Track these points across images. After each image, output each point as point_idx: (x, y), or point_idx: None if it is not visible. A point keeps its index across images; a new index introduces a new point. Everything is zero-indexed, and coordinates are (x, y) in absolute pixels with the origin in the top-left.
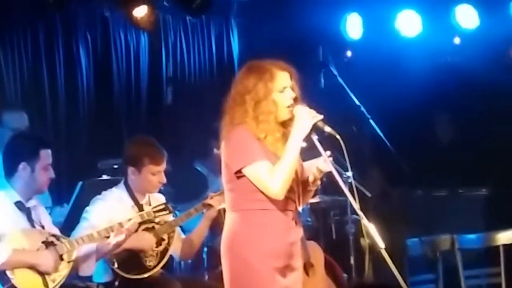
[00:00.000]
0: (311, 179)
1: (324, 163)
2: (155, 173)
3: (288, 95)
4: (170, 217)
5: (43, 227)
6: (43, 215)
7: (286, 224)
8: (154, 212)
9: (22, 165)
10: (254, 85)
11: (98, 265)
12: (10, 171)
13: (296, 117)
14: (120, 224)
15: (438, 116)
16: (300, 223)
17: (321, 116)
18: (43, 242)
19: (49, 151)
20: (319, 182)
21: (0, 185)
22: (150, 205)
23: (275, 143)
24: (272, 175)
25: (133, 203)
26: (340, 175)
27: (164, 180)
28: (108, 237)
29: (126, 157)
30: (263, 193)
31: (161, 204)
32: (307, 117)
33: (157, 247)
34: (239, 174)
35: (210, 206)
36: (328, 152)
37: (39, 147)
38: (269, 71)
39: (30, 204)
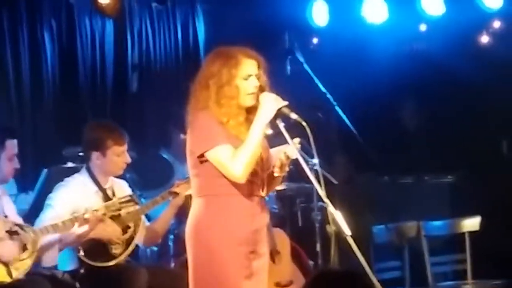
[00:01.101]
0: (277, 164)
1: (291, 149)
2: (120, 154)
3: (252, 83)
4: (136, 208)
5: (6, 216)
6: (7, 205)
7: (251, 210)
8: (120, 203)
9: None
10: (219, 70)
11: (63, 253)
12: None
13: (261, 103)
14: (83, 215)
15: (404, 103)
16: (266, 209)
17: (286, 102)
18: (6, 231)
19: (15, 141)
20: (286, 169)
21: None
22: (113, 190)
23: (238, 127)
24: (234, 158)
25: (96, 188)
26: (306, 162)
27: (129, 159)
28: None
29: (88, 142)
30: (227, 178)
31: (127, 196)
32: (271, 102)
33: (123, 234)
34: (202, 158)
35: (176, 194)
36: (298, 139)
37: (5, 137)
38: (235, 58)
39: None
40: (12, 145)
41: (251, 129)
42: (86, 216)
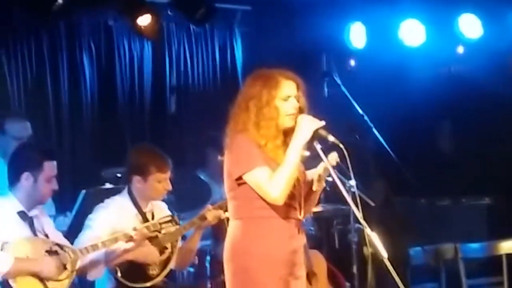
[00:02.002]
0: (315, 178)
1: (330, 158)
2: (161, 181)
3: (292, 104)
4: (175, 229)
5: (46, 235)
6: (46, 224)
7: (289, 232)
8: (160, 224)
9: (25, 175)
10: (259, 91)
11: None
12: (13, 181)
13: (298, 124)
14: (125, 235)
15: (441, 126)
16: (303, 231)
17: (323, 123)
18: (46, 251)
19: (54, 163)
20: (323, 184)
21: (2, 194)
22: (153, 213)
23: (276, 150)
24: (272, 180)
25: (136, 211)
26: (343, 184)
27: (170, 187)
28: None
29: (131, 165)
30: (264, 200)
31: (168, 216)
32: (308, 123)
33: (160, 256)
34: (240, 181)
35: (205, 218)
36: (336, 154)
37: (44, 158)
38: (275, 79)
39: (32, 213)
40: (50, 167)
41: (288, 150)
42: (132, 233)
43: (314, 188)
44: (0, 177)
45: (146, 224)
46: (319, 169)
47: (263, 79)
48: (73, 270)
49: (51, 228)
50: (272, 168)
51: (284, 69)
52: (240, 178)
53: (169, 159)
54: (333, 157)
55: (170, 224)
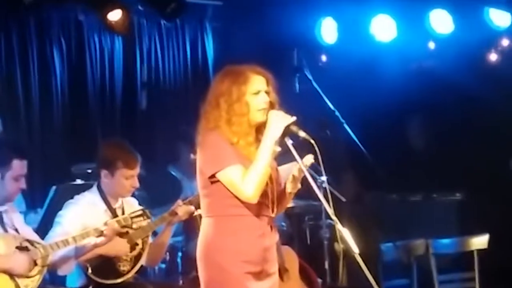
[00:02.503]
0: (290, 179)
1: (305, 160)
2: (128, 177)
3: (262, 99)
4: (146, 223)
5: (16, 230)
6: (16, 219)
7: (261, 230)
8: (132, 218)
9: None
10: (228, 88)
11: None
12: None
13: (268, 120)
14: (96, 230)
15: (412, 121)
16: (275, 228)
17: (293, 118)
18: (17, 247)
19: (24, 162)
20: (299, 185)
21: None
22: (123, 209)
23: (248, 147)
24: (245, 178)
25: (106, 207)
26: (315, 180)
27: (137, 184)
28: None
29: (99, 160)
30: (237, 198)
31: (139, 210)
32: (278, 120)
33: (131, 252)
34: (213, 179)
35: (175, 214)
36: (312, 156)
37: (13, 156)
38: (244, 74)
39: (1, 208)
40: (19, 165)
41: (260, 147)
42: (102, 228)
43: (289, 190)
44: None
45: (117, 218)
46: (294, 170)
47: (232, 75)
48: (43, 265)
49: (21, 223)
50: (245, 166)
51: (254, 65)
52: (213, 176)
53: (138, 155)
54: (308, 159)
55: (141, 218)
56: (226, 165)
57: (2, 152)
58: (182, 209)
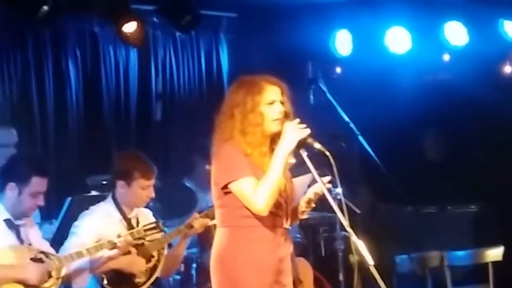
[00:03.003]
0: (305, 199)
1: (319, 186)
2: (145, 188)
3: (277, 109)
4: (160, 236)
5: (30, 245)
6: (32, 233)
7: (275, 240)
8: (145, 230)
9: (9, 186)
10: (243, 98)
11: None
12: (0, 189)
13: (283, 132)
14: (110, 242)
15: (427, 133)
16: (289, 239)
17: (308, 131)
18: (31, 259)
19: (44, 180)
20: (313, 205)
21: None
22: (138, 219)
23: (262, 157)
24: (256, 191)
25: (121, 216)
26: (330, 191)
27: (153, 194)
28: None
29: (116, 170)
30: (250, 209)
31: (152, 223)
32: (293, 132)
33: (146, 263)
34: (226, 190)
35: (191, 227)
36: (328, 178)
37: (33, 173)
38: (258, 85)
39: (19, 222)
40: (38, 182)
41: (273, 159)
42: (116, 240)
43: (302, 209)
44: None
45: (131, 231)
46: (309, 193)
47: (247, 85)
48: (58, 277)
49: (38, 238)
50: (259, 177)
51: (268, 75)
52: (226, 187)
53: (154, 166)
54: (325, 180)
55: (154, 231)
56: (238, 176)
57: (22, 167)
58: (198, 222)
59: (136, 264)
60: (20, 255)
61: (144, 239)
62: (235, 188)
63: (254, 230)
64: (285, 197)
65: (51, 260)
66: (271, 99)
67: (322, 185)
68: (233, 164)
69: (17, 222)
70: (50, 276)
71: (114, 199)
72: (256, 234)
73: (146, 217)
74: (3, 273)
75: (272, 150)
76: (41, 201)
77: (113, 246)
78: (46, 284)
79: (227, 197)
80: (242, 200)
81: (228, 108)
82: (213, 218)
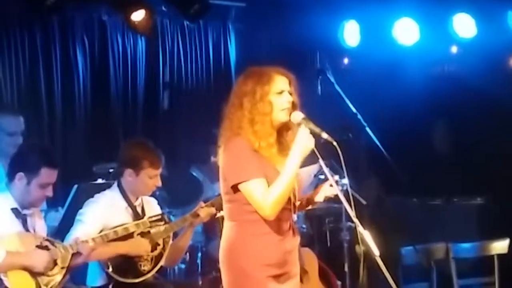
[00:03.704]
0: (321, 196)
1: (330, 189)
2: (152, 177)
3: (285, 98)
4: (165, 227)
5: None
6: (38, 223)
7: (283, 234)
8: (150, 222)
9: (18, 176)
10: (252, 88)
11: (92, 268)
12: (10, 178)
13: (299, 136)
14: (115, 232)
15: (434, 125)
16: (297, 232)
17: (325, 135)
18: (37, 246)
19: (53, 171)
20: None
21: (0, 189)
22: (143, 207)
23: (269, 148)
24: (267, 195)
25: (126, 204)
26: (336, 182)
27: (160, 184)
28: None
29: (124, 158)
30: None
31: (158, 214)
32: (310, 139)
33: (152, 251)
34: (235, 188)
35: (197, 215)
36: (337, 177)
37: (43, 164)
38: (267, 74)
39: (26, 211)
40: (48, 174)
41: (286, 163)
42: (117, 233)
43: (308, 207)
44: None
45: (136, 222)
46: (320, 196)
47: (256, 75)
48: (63, 266)
49: (41, 228)
50: (268, 173)
51: (276, 66)
52: (235, 185)
53: (162, 155)
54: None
55: (160, 222)
56: (249, 177)
57: (32, 158)
58: (204, 211)
59: (142, 245)
60: (26, 242)
61: (149, 230)
62: (244, 189)
63: (262, 224)
64: (293, 192)
65: (57, 248)
66: (280, 88)
67: (329, 176)
68: (244, 164)
69: (24, 212)
70: (55, 264)
71: (120, 187)
72: (264, 228)
73: (151, 205)
74: (9, 260)
75: (278, 141)
76: (49, 192)
77: (117, 236)
78: (51, 272)
79: (236, 193)
80: (251, 202)
81: (237, 98)
82: (219, 208)
